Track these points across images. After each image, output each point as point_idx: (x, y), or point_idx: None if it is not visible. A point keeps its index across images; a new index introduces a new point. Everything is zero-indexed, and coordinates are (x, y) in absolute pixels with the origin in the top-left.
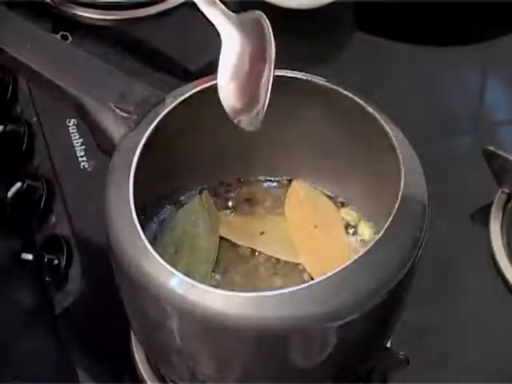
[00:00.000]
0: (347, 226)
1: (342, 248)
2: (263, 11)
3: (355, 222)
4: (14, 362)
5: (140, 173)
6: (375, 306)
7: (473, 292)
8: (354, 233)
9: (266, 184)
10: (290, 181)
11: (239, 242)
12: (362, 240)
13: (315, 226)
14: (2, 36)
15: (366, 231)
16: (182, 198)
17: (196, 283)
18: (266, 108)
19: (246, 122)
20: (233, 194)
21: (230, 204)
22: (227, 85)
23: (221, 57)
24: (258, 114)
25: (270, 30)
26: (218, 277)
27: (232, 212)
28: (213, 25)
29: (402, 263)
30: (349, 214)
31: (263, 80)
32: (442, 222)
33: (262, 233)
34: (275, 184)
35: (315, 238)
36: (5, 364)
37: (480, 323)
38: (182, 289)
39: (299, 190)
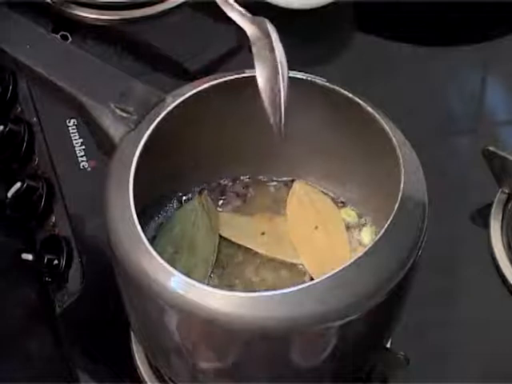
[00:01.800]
0: (348, 226)
1: (342, 249)
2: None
3: (356, 222)
4: (14, 362)
5: (140, 173)
6: (375, 306)
7: (473, 292)
8: (355, 233)
9: (267, 184)
10: (291, 181)
11: (240, 242)
12: (362, 240)
13: (316, 227)
14: (2, 36)
15: (366, 232)
16: (182, 198)
17: (196, 283)
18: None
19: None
20: (234, 194)
21: (231, 204)
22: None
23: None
24: (278, 120)
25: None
26: (217, 277)
27: (233, 212)
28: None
29: (402, 263)
30: (349, 215)
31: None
32: (442, 222)
33: (263, 233)
34: (276, 184)
35: (316, 239)
36: (5, 364)
37: (480, 323)
38: (181, 289)
39: (300, 190)
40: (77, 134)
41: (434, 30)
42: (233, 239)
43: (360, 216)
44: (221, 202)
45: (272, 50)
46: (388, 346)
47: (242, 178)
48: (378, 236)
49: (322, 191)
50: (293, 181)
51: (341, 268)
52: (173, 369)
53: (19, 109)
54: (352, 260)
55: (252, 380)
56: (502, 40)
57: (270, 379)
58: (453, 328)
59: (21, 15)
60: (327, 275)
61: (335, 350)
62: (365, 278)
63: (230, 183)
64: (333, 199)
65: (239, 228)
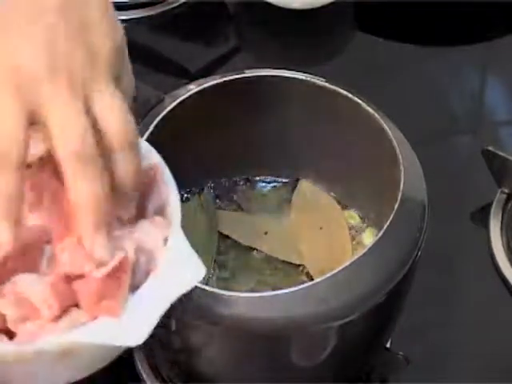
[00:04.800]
0: (350, 228)
1: (345, 250)
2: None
3: (358, 224)
4: None
5: None
6: (375, 306)
7: (473, 292)
8: (357, 235)
9: (271, 184)
10: (296, 181)
11: (243, 242)
12: (364, 242)
13: (320, 228)
14: None
15: (368, 234)
16: (183, 197)
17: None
18: None
19: None
20: (236, 193)
21: (234, 203)
22: None
23: None
24: None
25: None
26: (217, 277)
27: (236, 211)
28: None
29: (402, 263)
30: (352, 217)
31: None
32: (442, 222)
33: (266, 233)
34: (281, 184)
35: (320, 240)
36: None
37: (480, 323)
38: None
39: (306, 190)
40: None
41: (434, 30)
42: (236, 238)
43: (362, 218)
44: (224, 201)
45: None
46: (388, 346)
47: (244, 177)
48: (378, 236)
49: (327, 192)
50: (297, 180)
51: (341, 268)
52: (173, 369)
53: None
54: (352, 260)
55: (252, 380)
56: (501, 40)
57: (269, 379)
58: (453, 328)
59: None
60: (327, 275)
61: (335, 350)
62: (365, 278)
63: (233, 182)
64: (336, 201)
65: (242, 227)
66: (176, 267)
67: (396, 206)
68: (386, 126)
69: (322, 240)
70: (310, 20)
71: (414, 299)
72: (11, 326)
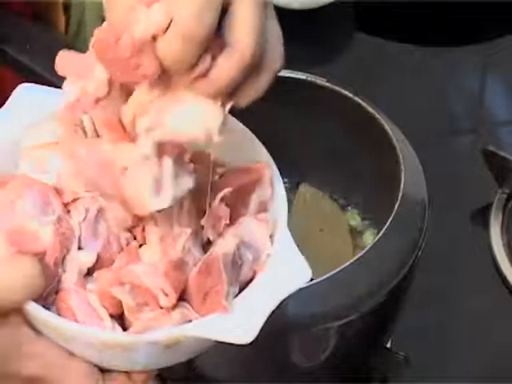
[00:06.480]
0: (351, 229)
1: (346, 252)
2: None
3: (359, 225)
4: None
5: None
6: (375, 306)
7: (473, 292)
8: (358, 236)
9: None
10: (297, 184)
11: None
12: (365, 243)
13: (321, 230)
14: (3, 36)
15: (368, 233)
16: None
17: None
18: None
19: None
20: None
21: None
22: None
23: None
24: None
25: None
26: None
27: None
28: None
29: (402, 263)
30: (353, 218)
31: None
32: (442, 222)
33: None
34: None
35: (320, 242)
36: None
37: (480, 323)
38: None
39: (306, 193)
40: None
41: (434, 30)
42: None
43: (363, 219)
44: None
45: None
46: (388, 345)
47: None
48: (378, 236)
49: (327, 193)
50: (298, 183)
51: (341, 268)
52: (171, 368)
53: None
54: (352, 260)
55: (252, 380)
56: (502, 40)
57: (270, 379)
58: (453, 328)
59: (21, 15)
60: (327, 275)
61: (335, 350)
62: (365, 277)
63: None
64: (337, 201)
65: None
66: (283, 267)
67: (396, 206)
68: (386, 126)
69: (323, 242)
70: (310, 20)
71: (414, 299)
72: (128, 313)
